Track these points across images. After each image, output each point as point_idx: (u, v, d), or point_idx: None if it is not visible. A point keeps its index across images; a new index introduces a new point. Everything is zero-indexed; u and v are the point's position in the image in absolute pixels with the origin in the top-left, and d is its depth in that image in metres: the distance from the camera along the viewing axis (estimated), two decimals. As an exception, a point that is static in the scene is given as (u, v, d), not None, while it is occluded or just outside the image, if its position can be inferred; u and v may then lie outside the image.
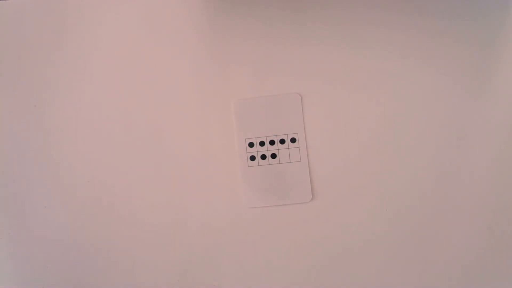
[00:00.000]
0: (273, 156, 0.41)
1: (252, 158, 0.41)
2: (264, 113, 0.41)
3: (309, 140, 0.41)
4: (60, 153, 0.41)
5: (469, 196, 0.40)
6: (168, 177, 0.41)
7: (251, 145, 0.41)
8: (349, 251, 0.41)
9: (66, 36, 0.41)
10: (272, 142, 0.41)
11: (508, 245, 0.40)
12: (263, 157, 0.41)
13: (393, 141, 0.40)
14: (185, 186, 0.41)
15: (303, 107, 0.41)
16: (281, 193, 0.41)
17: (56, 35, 0.41)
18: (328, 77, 0.41)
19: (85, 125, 0.41)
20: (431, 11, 0.40)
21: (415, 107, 0.40)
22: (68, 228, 0.41)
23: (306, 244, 0.41)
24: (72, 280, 0.41)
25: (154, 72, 0.41)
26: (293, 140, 0.41)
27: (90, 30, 0.41)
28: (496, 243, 0.40)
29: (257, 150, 0.41)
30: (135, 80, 0.41)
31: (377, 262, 0.41)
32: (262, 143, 0.41)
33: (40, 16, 0.41)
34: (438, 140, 0.40)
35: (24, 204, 0.41)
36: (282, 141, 0.41)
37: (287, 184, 0.41)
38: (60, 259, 0.41)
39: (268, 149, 0.41)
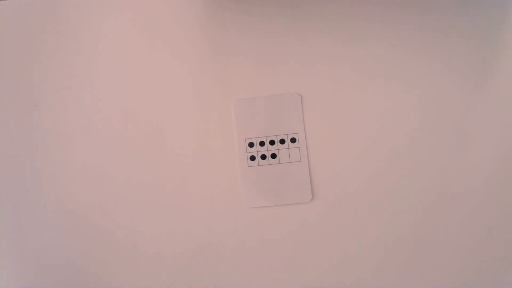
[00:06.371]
0: (273, 156, 0.41)
1: (252, 158, 0.41)
2: (264, 113, 0.41)
3: (309, 140, 0.41)
4: (60, 153, 0.41)
5: (469, 197, 0.40)
6: (167, 177, 0.41)
7: (251, 145, 0.41)
8: (349, 251, 0.41)
9: (66, 35, 0.41)
10: (272, 142, 0.41)
11: (508, 246, 0.40)
12: (263, 157, 0.41)
13: (393, 141, 0.40)
14: (185, 186, 0.41)
15: (303, 107, 0.41)
16: (281, 193, 0.41)
17: (56, 35, 0.41)
18: (328, 77, 0.41)
19: (85, 124, 0.41)
20: (433, 10, 0.40)
21: (416, 106, 0.40)
22: (68, 228, 0.41)
23: (306, 244, 0.41)
24: (72, 281, 0.41)
25: (154, 72, 0.41)
26: (293, 140, 0.41)
27: (90, 30, 0.41)
28: (496, 244, 0.40)
29: (257, 150, 0.41)
30: (135, 80, 0.41)
31: (377, 262, 0.41)
32: (262, 143, 0.41)
33: (41, 16, 0.41)
34: (438, 140, 0.40)
35: (24, 204, 0.41)
36: (282, 141, 0.41)
37: (287, 184, 0.41)
38: (60, 259, 0.41)
39: (268, 149, 0.41)
